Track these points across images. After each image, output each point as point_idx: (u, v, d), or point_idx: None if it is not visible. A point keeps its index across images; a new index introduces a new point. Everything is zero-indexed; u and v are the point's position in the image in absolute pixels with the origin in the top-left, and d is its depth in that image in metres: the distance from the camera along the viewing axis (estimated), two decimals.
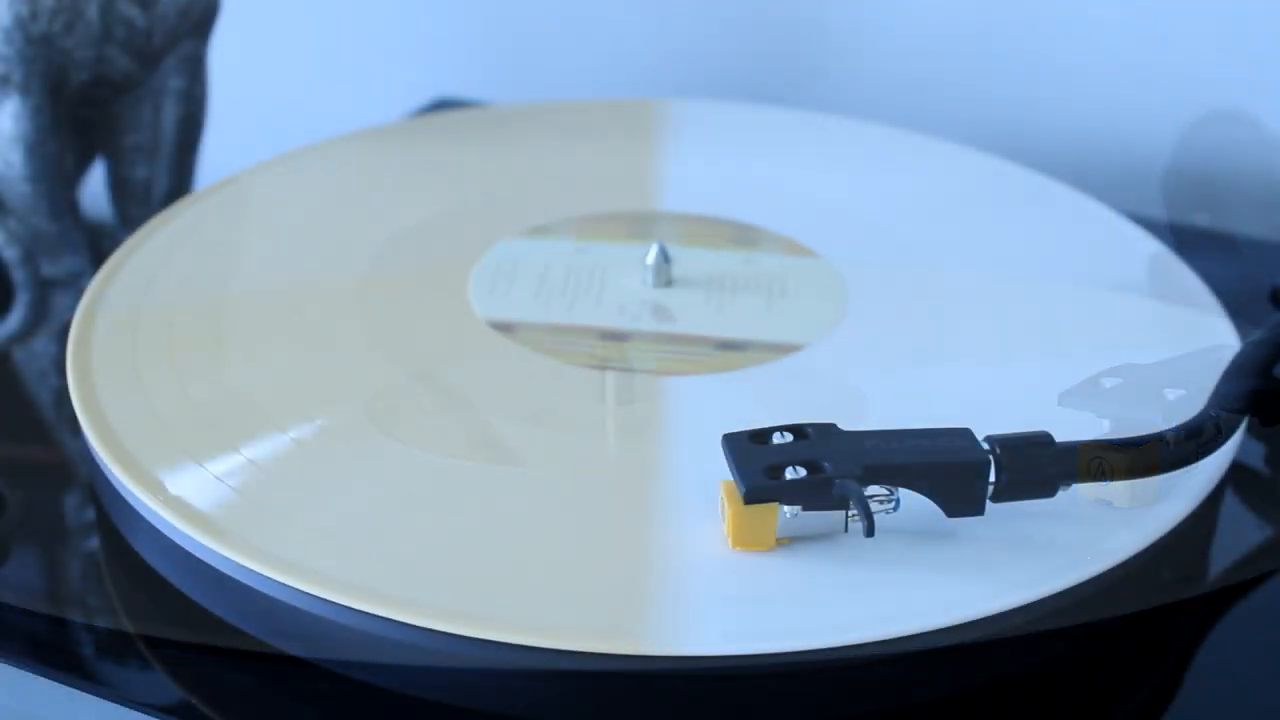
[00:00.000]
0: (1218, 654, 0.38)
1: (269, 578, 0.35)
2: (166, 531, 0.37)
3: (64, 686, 0.36)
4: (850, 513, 0.36)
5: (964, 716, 0.35)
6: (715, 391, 0.42)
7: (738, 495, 0.35)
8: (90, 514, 0.42)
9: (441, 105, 0.68)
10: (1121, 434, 0.37)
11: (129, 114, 0.57)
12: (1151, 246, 0.50)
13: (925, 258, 0.49)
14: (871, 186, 0.53)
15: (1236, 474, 0.43)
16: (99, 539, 0.41)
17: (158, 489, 0.38)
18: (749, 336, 0.44)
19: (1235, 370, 0.41)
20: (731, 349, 0.44)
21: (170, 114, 0.57)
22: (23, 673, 0.37)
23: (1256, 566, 0.41)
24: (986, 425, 0.36)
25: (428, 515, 0.37)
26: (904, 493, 0.35)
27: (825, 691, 0.34)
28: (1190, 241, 0.53)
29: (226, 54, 0.63)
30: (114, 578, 0.40)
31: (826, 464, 0.35)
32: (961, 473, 0.35)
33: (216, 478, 0.38)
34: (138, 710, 0.36)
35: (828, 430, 0.36)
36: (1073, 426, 0.37)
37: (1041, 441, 0.36)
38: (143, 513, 0.38)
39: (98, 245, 0.56)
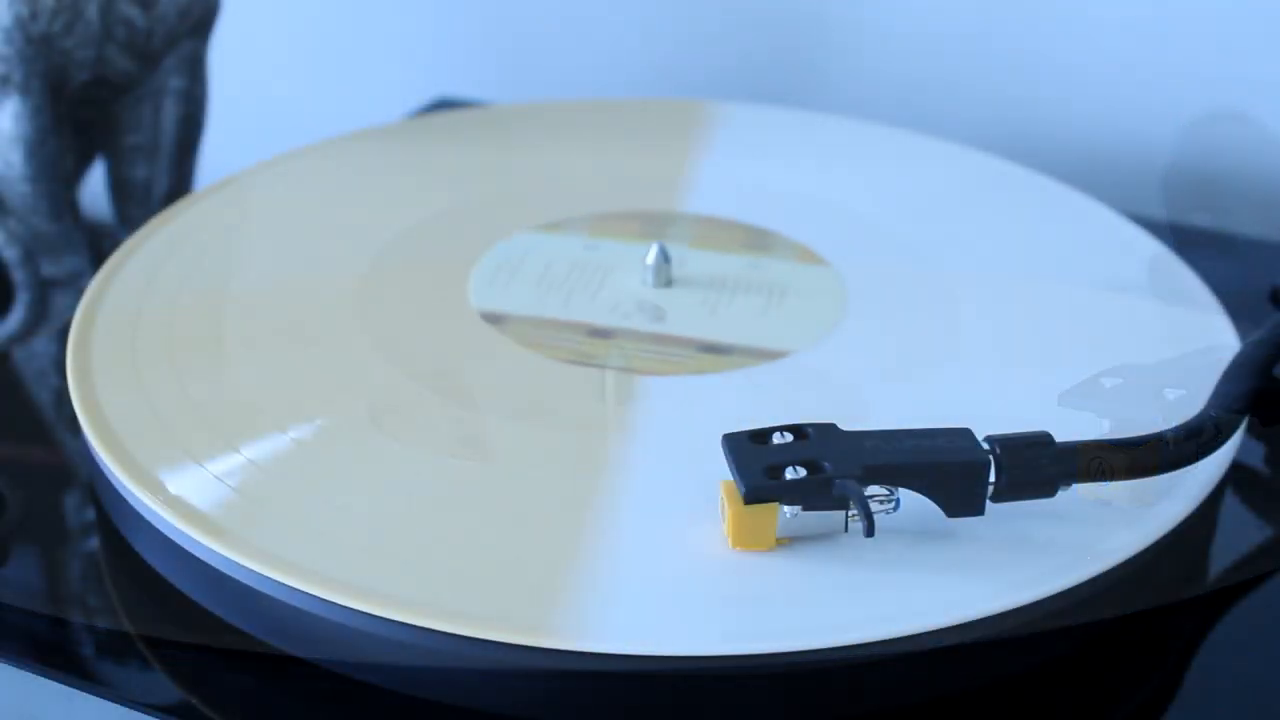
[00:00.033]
0: (1218, 654, 0.38)
1: (269, 578, 0.35)
2: (166, 531, 0.37)
3: (64, 686, 0.36)
4: (850, 513, 0.36)
5: (964, 716, 0.35)
6: (688, 393, 0.42)
7: (738, 495, 0.35)
8: (90, 514, 0.42)
9: (441, 105, 0.68)
10: (1121, 434, 0.37)
11: (129, 114, 0.57)
12: (1151, 246, 0.50)
13: (926, 258, 0.49)
14: (896, 195, 0.53)
15: (1236, 474, 0.43)
16: (99, 539, 0.41)
17: (158, 489, 0.38)
18: (735, 341, 0.44)
19: (1235, 370, 0.41)
20: (715, 352, 0.44)
21: (170, 114, 0.57)
22: (23, 673, 0.37)
23: (1256, 566, 0.41)
24: (986, 425, 0.36)
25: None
26: (904, 493, 0.35)
27: (825, 691, 0.34)
28: (1190, 241, 0.53)
29: (226, 54, 0.63)
30: (114, 578, 0.40)
31: (826, 464, 0.35)
32: (961, 473, 0.35)
33: (216, 478, 0.38)
34: (138, 710, 0.36)
35: (828, 430, 0.36)
36: (1073, 426, 0.37)
37: (1041, 441, 0.36)
38: (143, 513, 0.38)
39: (98, 245, 0.56)
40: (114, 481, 0.39)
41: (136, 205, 0.58)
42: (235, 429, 0.40)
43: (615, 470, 0.39)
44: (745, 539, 0.35)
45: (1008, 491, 0.36)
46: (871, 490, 0.35)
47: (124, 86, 0.56)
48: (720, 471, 0.36)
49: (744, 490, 0.35)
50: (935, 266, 0.49)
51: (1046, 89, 0.66)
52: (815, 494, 0.35)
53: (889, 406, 0.41)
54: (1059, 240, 0.51)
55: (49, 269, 0.54)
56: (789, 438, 0.36)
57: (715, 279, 0.47)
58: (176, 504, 0.37)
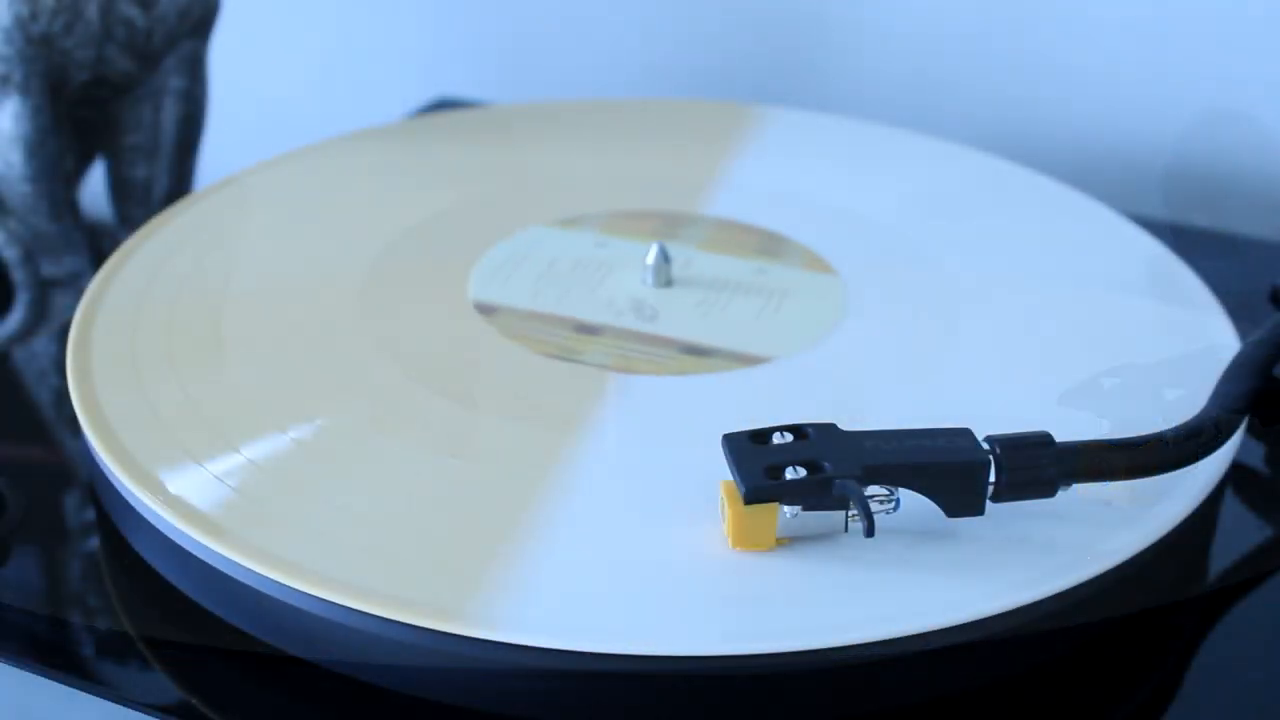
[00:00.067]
0: (1218, 654, 0.38)
1: (269, 578, 0.35)
2: (166, 531, 0.37)
3: (64, 686, 0.36)
4: (850, 513, 0.36)
5: (964, 716, 0.35)
6: (658, 393, 0.42)
7: (738, 495, 0.35)
8: (90, 514, 0.42)
9: (441, 105, 0.68)
10: (1121, 434, 0.37)
11: (129, 114, 0.57)
12: (1151, 246, 0.50)
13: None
14: (917, 204, 0.53)
15: (1236, 474, 0.43)
16: (99, 539, 0.41)
17: (158, 489, 0.38)
18: (719, 344, 0.44)
19: (1235, 370, 0.41)
20: (696, 354, 0.44)
21: (170, 114, 0.57)
22: (23, 673, 0.37)
23: (1256, 566, 0.41)
24: (986, 425, 0.36)
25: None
26: (904, 493, 0.35)
27: (825, 691, 0.34)
28: (1190, 241, 0.53)
29: (226, 54, 0.63)
30: (114, 578, 0.40)
31: (826, 464, 0.35)
32: (961, 473, 0.35)
33: (216, 478, 0.38)
34: (138, 710, 0.36)
35: (828, 430, 0.36)
36: (1073, 426, 0.37)
37: (1041, 441, 0.36)
38: (143, 513, 0.38)
39: (98, 245, 0.56)
40: (114, 481, 0.39)
41: (136, 205, 0.58)
42: (235, 429, 0.40)
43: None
44: (745, 539, 0.35)
45: (1008, 491, 0.36)
46: (871, 490, 0.35)
47: (124, 86, 0.56)
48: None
49: (744, 490, 0.35)
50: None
51: (1046, 89, 0.66)
52: (815, 494, 0.35)
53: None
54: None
55: (49, 269, 0.54)
56: (789, 438, 0.36)
57: (717, 282, 0.47)
58: (176, 504, 0.37)
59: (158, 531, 0.38)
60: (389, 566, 0.35)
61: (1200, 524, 0.40)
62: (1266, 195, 0.64)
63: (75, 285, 0.54)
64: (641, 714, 0.34)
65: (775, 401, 0.41)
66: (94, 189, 0.61)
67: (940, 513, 0.36)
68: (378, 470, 0.39)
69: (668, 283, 0.47)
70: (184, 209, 0.51)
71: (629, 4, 0.72)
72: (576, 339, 0.44)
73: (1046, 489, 0.36)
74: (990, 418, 0.37)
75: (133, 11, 0.54)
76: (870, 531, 0.34)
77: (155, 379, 0.42)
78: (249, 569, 0.35)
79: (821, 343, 0.44)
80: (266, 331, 0.44)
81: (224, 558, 0.36)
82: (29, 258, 0.54)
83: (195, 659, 0.37)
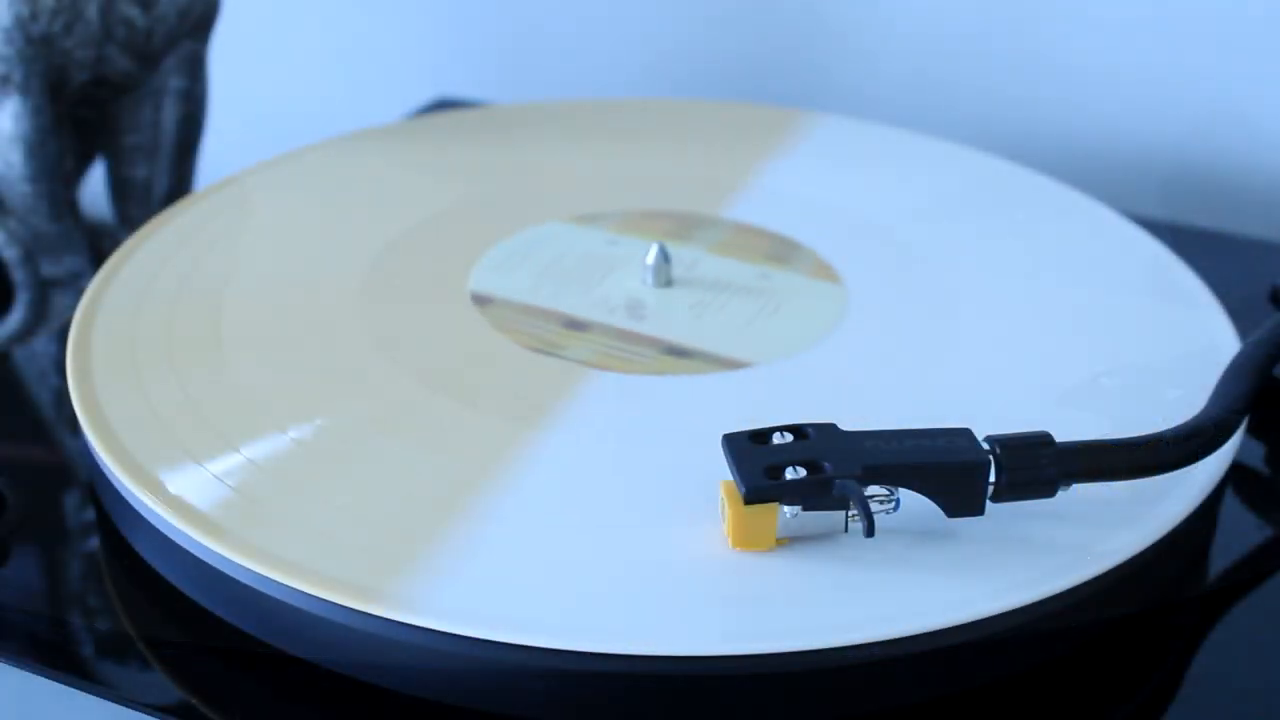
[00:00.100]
0: (1218, 654, 0.38)
1: (269, 578, 0.35)
2: (166, 531, 0.37)
3: (64, 686, 0.36)
4: (850, 513, 0.36)
5: (964, 716, 0.35)
6: (631, 392, 0.42)
7: (738, 495, 0.35)
8: (90, 514, 0.42)
9: (441, 105, 0.68)
10: (1121, 434, 0.37)
11: (129, 114, 0.57)
12: (1151, 246, 0.50)
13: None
14: (934, 212, 0.52)
15: (1236, 474, 0.43)
16: (99, 539, 0.41)
17: (158, 489, 0.38)
18: (701, 347, 0.44)
19: (1235, 370, 0.41)
20: (677, 355, 0.43)
21: (170, 114, 0.57)
22: (23, 673, 0.37)
23: (1256, 566, 0.41)
24: (986, 425, 0.36)
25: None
26: (904, 493, 0.35)
27: (825, 691, 0.34)
28: (1190, 241, 0.53)
29: (226, 54, 0.63)
30: (114, 578, 0.40)
31: (826, 464, 0.35)
32: (961, 473, 0.35)
33: (216, 478, 0.38)
34: (138, 710, 0.36)
35: (828, 430, 0.36)
36: (1073, 426, 0.37)
37: (1041, 441, 0.36)
38: (143, 513, 0.38)
39: (98, 245, 0.56)
40: (114, 481, 0.39)
41: (136, 205, 0.58)
42: (235, 429, 0.40)
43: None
44: (745, 539, 0.35)
45: (1008, 491, 0.36)
46: (871, 490, 0.35)
47: (124, 86, 0.56)
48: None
49: (744, 490, 0.35)
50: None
51: (1046, 89, 0.66)
52: (815, 494, 0.35)
53: (871, 415, 0.41)
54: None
55: (49, 269, 0.54)
56: (789, 438, 0.36)
57: (717, 285, 0.47)
58: (176, 504, 0.37)
59: (158, 531, 0.38)
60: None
61: (1200, 524, 0.40)
62: (1266, 195, 0.64)
63: (75, 285, 0.54)
64: (642, 714, 0.34)
65: (746, 406, 0.41)
66: (94, 189, 0.61)
67: (940, 513, 0.36)
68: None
69: (667, 283, 0.47)
70: (184, 209, 0.51)
71: (629, 4, 0.72)
72: (563, 334, 0.44)
73: (1046, 489, 0.36)
74: (990, 418, 0.37)
75: (133, 11, 0.54)
76: (870, 531, 0.34)
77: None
78: (249, 569, 0.35)
79: (805, 351, 0.44)
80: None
81: (224, 558, 0.36)
82: (29, 258, 0.54)
83: (195, 659, 0.37)
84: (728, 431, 0.36)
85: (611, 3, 0.72)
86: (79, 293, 0.46)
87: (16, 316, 0.53)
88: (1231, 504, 0.43)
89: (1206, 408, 0.39)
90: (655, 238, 0.49)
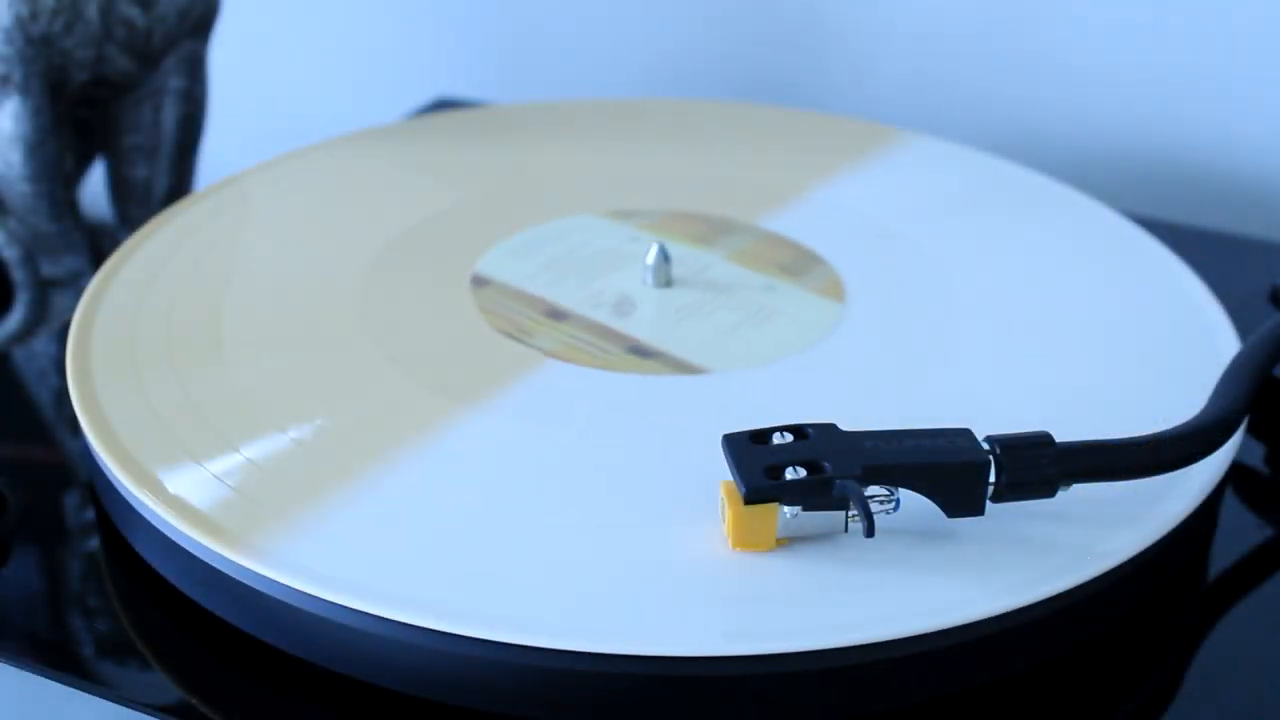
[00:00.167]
0: (1218, 654, 0.38)
1: (269, 578, 0.35)
2: (166, 531, 0.37)
3: (64, 686, 0.36)
4: (850, 513, 0.36)
5: (964, 716, 0.35)
6: (578, 384, 0.42)
7: (738, 495, 0.35)
8: (90, 514, 0.42)
9: (441, 105, 0.68)
10: (1121, 434, 0.37)
11: (129, 114, 0.57)
12: (1151, 246, 0.50)
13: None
14: (943, 217, 0.52)
15: (1236, 474, 0.43)
16: (99, 539, 0.41)
17: (158, 489, 0.38)
18: (667, 350, 0.44)
19: (1235, 370, 0.41)
20: (640, 355, 0.43)
21: (170, 114, 0.57)
22: (23, 673, 0.37)
23: (1256, 566, 0.41)
24: (986, 425, 0.36)
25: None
26: (904, 493, 0.35)
27: (825, 691, 0.34)
28: (1190, 241, 0.53)
29: (226, 54, 0.63)
30: (114, 578, 0.40)
31: (826, 464, 0.35)
32: (962, 473, 0.35)
33: (216, 478, 0.38)
34: (138, 710, 0.36)
35: (828, 430, 0.36)
36: (1073, 426, 0.37)
37: (1041, 441, 0.36)
38: (143, 513, 0.38)
39: (98, 245, 0.56)
40: (114, 481, 0.39)
41: (136, 205, 0.58)
42: (235, 429, 0.40)
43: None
44: (745, 539, 0.35)
45: (1008, 491, 0.36)
46: (871, 490, 0.35)
47: (124, 86, 0.56)
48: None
49: (744, 490, 0.35)
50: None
51: (1046, 89, 0.66)
52: (815, 494, 0.35)
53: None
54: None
55: (49, 269, 0.54)
56: (789, 438, 0.36)
57: (715, 291, 0.47)
58: (176, 504, 0.37)
59: (157, 531, 0.38)
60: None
61: (1200, 524, 0.40)
62: (1266, 195, 0.64)
63: (75, 285, 0.54)
64: (642, 714, 0.34)
65: (687, 412, 0.41)
66: (94, 189, 0.61)
67: (940, 513, 0.36)
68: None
69: (666, 283, 0.47)
70: (184, 209, 0.51)
71: (629, 4, 0.72)
72: (539, 322, 0.45)
73: (1046, 489, 0.36)
74: (990, 418, 0.37)
75: (133, 11, 0.54)
76: (870, 531, 0.34)
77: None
78: (249, 569, 0.35)
79: (770, 364, 0.43)
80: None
81: (224, 558, 0.36)
82: (29, 258, 0.54)
83: (195, 659, 0.37)
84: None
85: (611, 3, 0.72)
86: (79, 293, 0.46)
87: (16, 316, 0.53)
88: (1231, 504, 0.43)
89: (1206, 408, 0.39)
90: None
